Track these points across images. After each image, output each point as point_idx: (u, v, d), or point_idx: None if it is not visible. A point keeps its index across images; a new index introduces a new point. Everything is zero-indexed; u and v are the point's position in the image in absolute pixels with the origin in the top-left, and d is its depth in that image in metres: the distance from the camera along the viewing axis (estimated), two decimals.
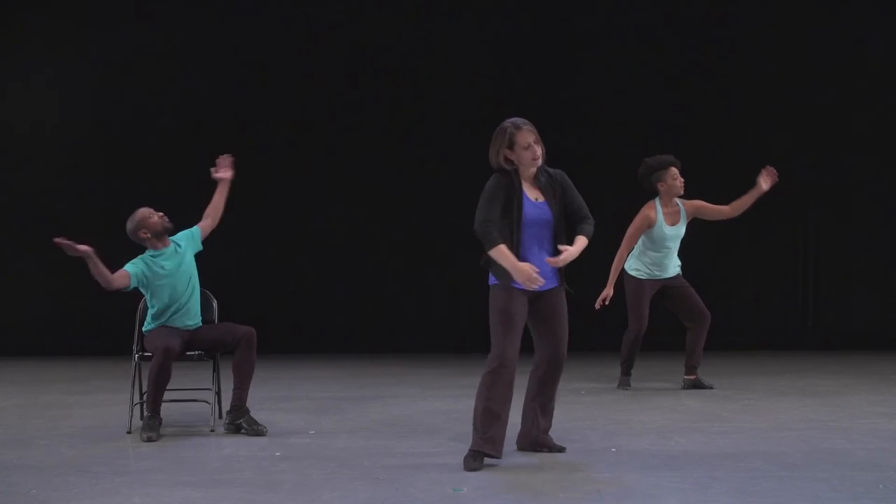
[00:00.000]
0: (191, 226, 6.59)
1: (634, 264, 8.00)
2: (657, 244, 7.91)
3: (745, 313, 10.90)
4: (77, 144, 11.46)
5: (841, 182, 11.34)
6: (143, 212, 6.35)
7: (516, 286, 5.19)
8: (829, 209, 11.41)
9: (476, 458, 5.14)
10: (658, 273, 7.98)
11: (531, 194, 5.29)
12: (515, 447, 5.52)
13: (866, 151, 11.33)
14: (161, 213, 6.37)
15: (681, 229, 7.95)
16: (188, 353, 6.26)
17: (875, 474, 4.91)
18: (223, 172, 6.69)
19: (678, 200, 7.94)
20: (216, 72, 11.43)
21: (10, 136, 11.50)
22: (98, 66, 11.52)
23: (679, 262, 8.09)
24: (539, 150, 5.28)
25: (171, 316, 6.33)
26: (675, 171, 7.85)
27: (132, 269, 6.27)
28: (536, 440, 5.52)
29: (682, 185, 7.86)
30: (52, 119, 11.54)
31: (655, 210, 7.88)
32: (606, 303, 7.84)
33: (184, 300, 6.34)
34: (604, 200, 10.99)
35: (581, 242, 5.30)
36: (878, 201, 11.37)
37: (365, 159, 11.26)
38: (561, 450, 5.49)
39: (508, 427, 5.21)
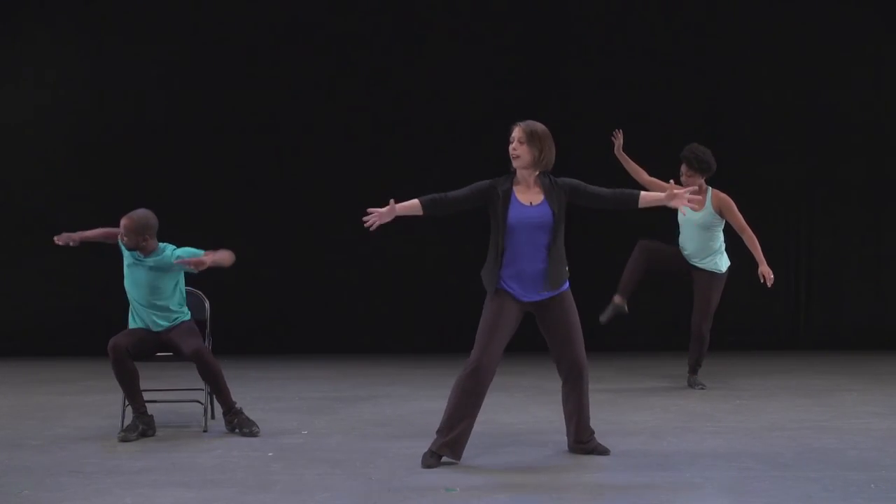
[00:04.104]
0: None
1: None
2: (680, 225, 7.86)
3: (737, 313, 10.90)
4: (74, 145, 11.42)
5: (832, 182, 11.35)
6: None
7: (510, 293, 5.19)
8: (821, 209, 11.42)
9: (433, 457, 5.20)
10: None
11: (524, 198, 5.24)
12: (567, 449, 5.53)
13: (857, 152, 11.35)
14: (121, 233, 6.23)
15: (696, 217, 7.69)
16: (159, 353, 6.29)
17: (867, 474, 4.92)
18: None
19: (707, 187, 7.71)
20: (216, 71, 11.40)
21: (7, 137, 11.46)
22: (96, 67, 11.49)
23: (703, 259, 7.88)
24: (515, 148, 5.21)
25: (135, 307, 6.33)
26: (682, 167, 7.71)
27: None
28: (580, 444, 5.47)
29: (686, 181, 7.62)
30: (51, 119, 11.50)
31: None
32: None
33: (140, 304, 6.31)
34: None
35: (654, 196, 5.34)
36: (868, 202, 11.39)
37: (364, 159, 11.23)
38: (605, 452, 5.44)
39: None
